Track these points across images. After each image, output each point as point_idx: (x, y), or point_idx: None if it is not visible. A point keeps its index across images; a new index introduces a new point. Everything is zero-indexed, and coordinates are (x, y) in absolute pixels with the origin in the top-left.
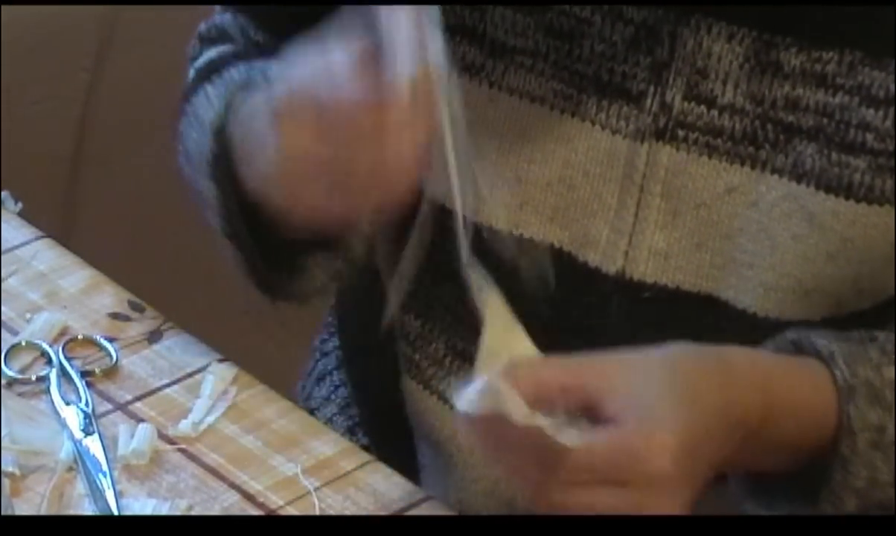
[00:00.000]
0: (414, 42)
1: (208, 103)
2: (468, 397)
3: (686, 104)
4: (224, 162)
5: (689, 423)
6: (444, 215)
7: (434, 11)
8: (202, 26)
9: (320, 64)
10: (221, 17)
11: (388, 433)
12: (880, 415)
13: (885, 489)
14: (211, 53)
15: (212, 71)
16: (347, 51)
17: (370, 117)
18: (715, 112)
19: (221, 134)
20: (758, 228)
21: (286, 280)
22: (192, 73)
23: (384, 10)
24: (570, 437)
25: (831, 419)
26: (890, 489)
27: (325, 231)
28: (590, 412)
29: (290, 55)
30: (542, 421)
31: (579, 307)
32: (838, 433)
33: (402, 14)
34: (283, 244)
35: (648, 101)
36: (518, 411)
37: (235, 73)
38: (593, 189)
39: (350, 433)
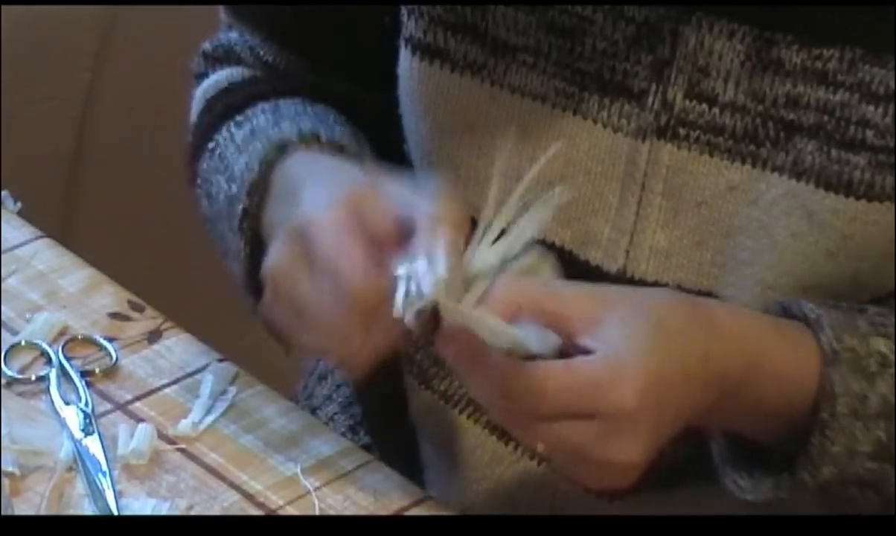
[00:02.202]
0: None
1: (237, 150)
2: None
3: (687, 102)
4: (253, 220)
5: (661, 364)
6: None
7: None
8: (206, 45)
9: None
10: (226, 35)
11: (391, 432)
12: (862, 384)
13: (863, 461)
14: (220, 79)
15: (230, 108)
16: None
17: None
18: (716, 110)
19: (256, 193)
20: (758, 226)
21: None
22: (200, 99)
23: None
24: (541, 346)
25: (813, 384)
26: (869, 462)
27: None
28: (566, 340)
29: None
30: (512, 331)
31: None
32: (819, 398)
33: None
34: None
35: (650, 99)
36: (488, 323)
37: (263, 118)
38: (595, 187)
39: (352, 432)
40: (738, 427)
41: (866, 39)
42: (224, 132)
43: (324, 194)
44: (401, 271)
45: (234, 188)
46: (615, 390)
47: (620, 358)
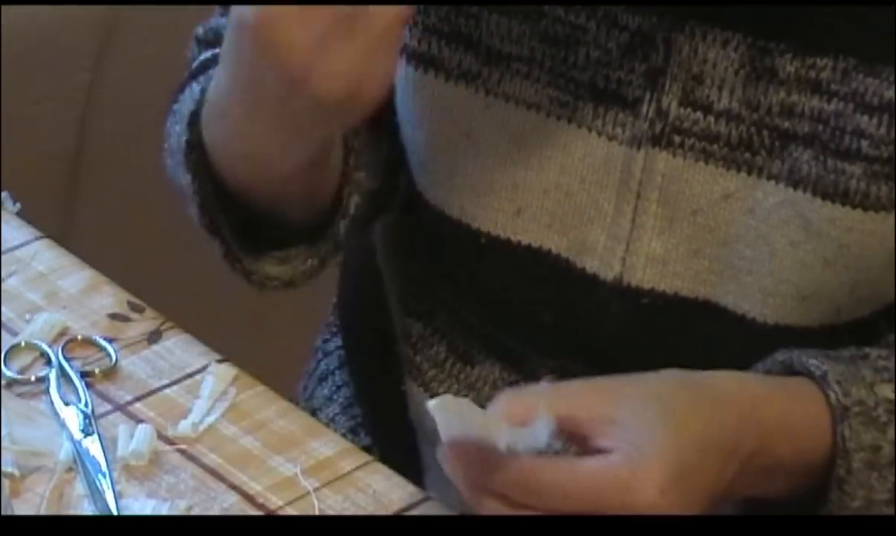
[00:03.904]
0: None
1: (191, 98)
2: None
3: (682, 110)
4: (198, 150)
5: (679, 454)
6: (440, 220)
7: None
8: (199, 29)
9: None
10: (217, 20)
11: (392, 433)
12: (874, 435)
13: (881, 508)
14: (205, 55)
15: (201, 70)
16: None
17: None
18: (711, 118)
19: (195, 121)
20: (755, 234)
21: (267, 268)
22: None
23: None
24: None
25: (826, 440)
26: (887, 507)
27: (295, 186)
28: (580, 444)
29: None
30: (522, 441)
31: (577, 314)
32: (833, 454)
33: None
34: (263, 233)
35: (644, 107)
36: (499, 434)
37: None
38: (590, 196)
39: (352, 433)
40: (757, 491)
41: (860, 49)
42: (186, 90)
43: None
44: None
45: (180, 128)
46: (639, 489)
47: (640, 456)
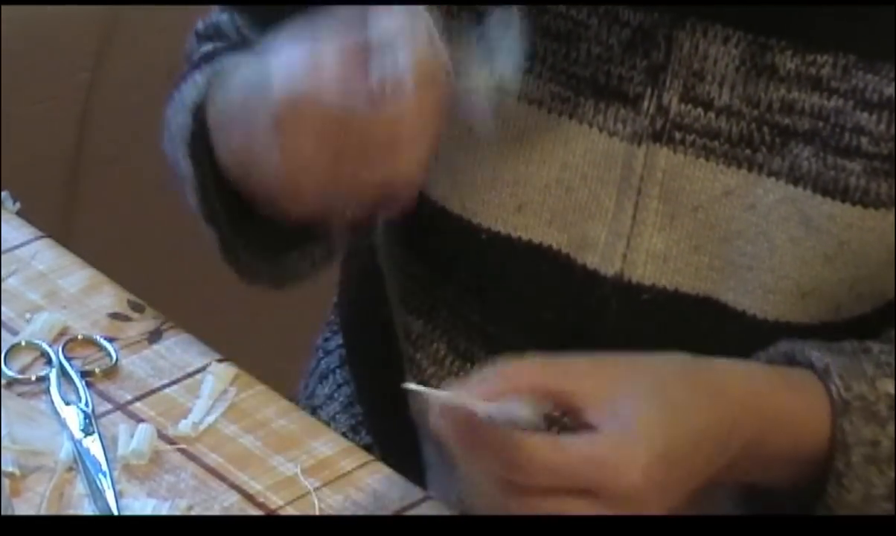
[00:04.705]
0: (409, 40)
1: (194, 87)
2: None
3: (683, 107)
4: (201, 140)
5: (668, 441)
6: (441, 216)
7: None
8: (199, 24)
9: (313, 61)
10: (218, 16)
11: (392, 431)
12: (874, 430)
13: (880, 503)
14: (206, 48)
15: (204, 60)
16: (340, 48)
17: (379, 131)
18: (711, 114)
19: (200, 111)
20: (756, 230)
21: (265, 266)
22: (186, 67)
23: (378, 11)
24: (527, 421)
25: (825, 433)
26: (886, 503)
27: (313, 224)
28: (571, 416)
29: (280, 43)
30: (506, 414)
31: (578, 310)
32: (832, 447)
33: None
34: (263, 231)
35: (645, 103)
36: (481, 405)
37: (226, 61)
38: (591, 192)
39: (353, 431)
40: (754, 480)
41: (860, 46)
42: (188, 80)
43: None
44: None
45: (181, 117)
46: (621, 470)
47: (627, 437)
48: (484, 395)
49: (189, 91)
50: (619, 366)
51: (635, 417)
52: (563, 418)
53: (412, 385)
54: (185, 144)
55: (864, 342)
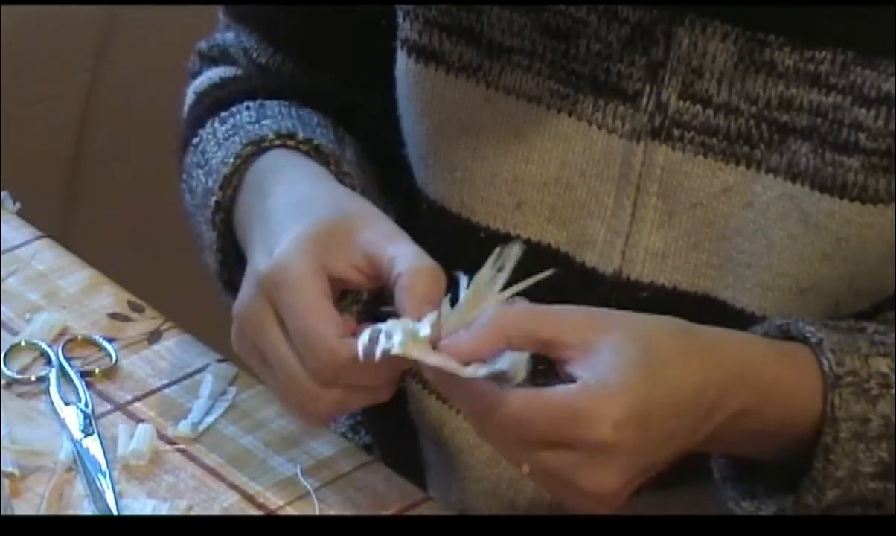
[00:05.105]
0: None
1: (216, 145)
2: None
3: (681, 103)
4: (226, 213)
5: (646, 396)
6: (440, 214)
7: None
8: (202, 44)
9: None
10: (223, 36)
11: (392, 432)
12: (864, 407)
13: (866, 481)
14: (213, 76)
15: (218, 103)
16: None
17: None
18: (710, 111)
19: (229, 187)
20: (754, 227)
21: None
22: (191, 94)
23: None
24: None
25: (815, 407)
26: (871, 482)
27: None
28: (559, 365)
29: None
30: (470, 371)
31: None
32: (822, 421)
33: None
34: None
35: (644, 100)
36: (468, 369)
37: (246, 115)
38: (590, 189)
39: (353, 432)
40: (741, 451)
41: (858, 42)
42: (208, 127)
43: (294, 231)
44: (370, 335)
45: (210, 182)
46: (592, 421)
47: (602, 389)
48: (477, 341)
49: (212, 150)
50: (610, 321)
51: (615, 371)
52: (550, 372)
53: (400, 349)
54: (210, 211)
55: (860, 321)
